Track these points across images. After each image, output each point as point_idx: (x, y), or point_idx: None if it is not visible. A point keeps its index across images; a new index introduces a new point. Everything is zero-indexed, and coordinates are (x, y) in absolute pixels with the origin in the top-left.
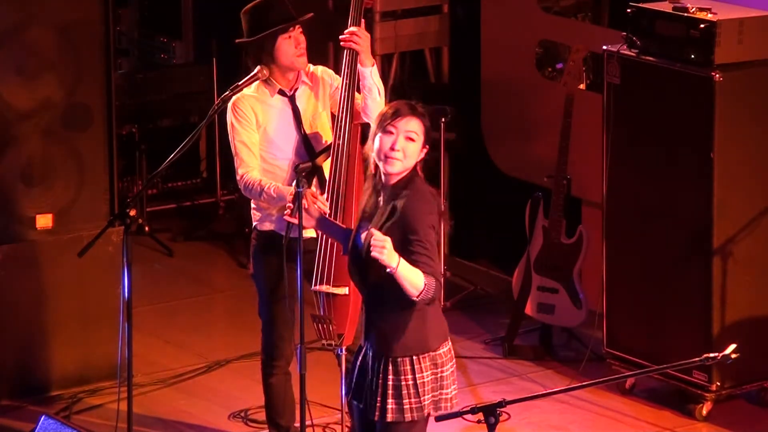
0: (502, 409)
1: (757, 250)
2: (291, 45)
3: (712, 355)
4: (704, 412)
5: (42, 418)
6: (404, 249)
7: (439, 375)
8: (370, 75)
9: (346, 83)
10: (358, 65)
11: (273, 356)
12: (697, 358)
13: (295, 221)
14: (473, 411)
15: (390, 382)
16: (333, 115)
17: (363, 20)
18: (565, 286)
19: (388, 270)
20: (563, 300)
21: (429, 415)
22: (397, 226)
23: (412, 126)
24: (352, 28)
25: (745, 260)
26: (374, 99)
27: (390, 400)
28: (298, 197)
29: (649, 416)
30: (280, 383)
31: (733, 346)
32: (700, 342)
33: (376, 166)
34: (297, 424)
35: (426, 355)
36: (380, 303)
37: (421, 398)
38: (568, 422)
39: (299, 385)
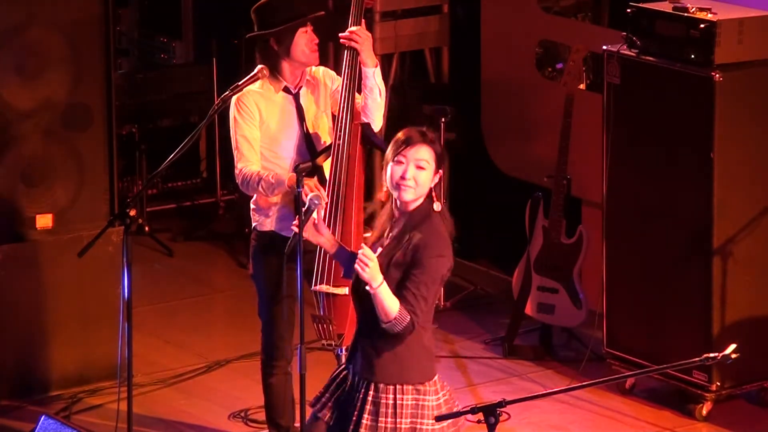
0: (502, 409)
1: (757, 250)
2: (308, 39)
3: (712, 355)
4: (704, 412)
5: (42, 418)
6: (402, 280)
7: (420, 403)
8: (373, 75)
9: (346, 83)
10: (361, 65)
11: (273, 356)
12: (697, 358)
13: (303, 233)
14: (473, 411)
15: (369, 398)
16: (333, 116)
17: (363, 20)
18: (565, 286)
19: (366, 287)
20: (563, 300)
21: None
22: (406, 256)
23: (422, 154)
24: (352, 28)
25: (745, 260)
26: (375, 100)
27: (366, 416)
28: (298, 198)
29: (649, 416)
30: (280, 383)
31: (733, 346)
32: (700, 342)
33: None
34: (297, 424)
35: (418, 386)
36: (373, 329)
37: (397, 420)
38: (568, 422)
39: (299, 385)
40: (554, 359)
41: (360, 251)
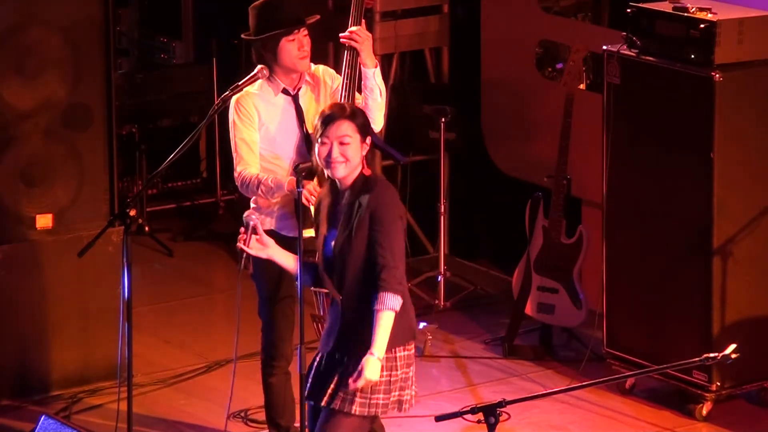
0: (502, 409)
1: (757, 250)
2: (294, 47)
3: (712, 355)
4: (704, 412)
5: (42, 418)
6: (370, 242)
7: (410, 374)
8: (373, 76)
9: (346, 83)
10: (362, 66)
11: (273, 356)
12: (697, 358)
13: (248, 250)
14: (473, 411)
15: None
16: None
17: (364, 20)
18: (565, 286)
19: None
20: (563, 300)
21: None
22: (365, 221)
23: (343, 130)
24: (352, 28)
25: (745, 260)
26: (375, 100)
27: (359, 394)
28: (299, 198)
29: (649, 416)
30: (280, 383)
31: (733, 346)
32: (700, 342)
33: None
34: (297, 424)
35: (407, 347)
36: (359, 305)
37: (390, 395)
38: (568, 422)
39: (299, 385)
40: (554, 359)
41: (353, 383)
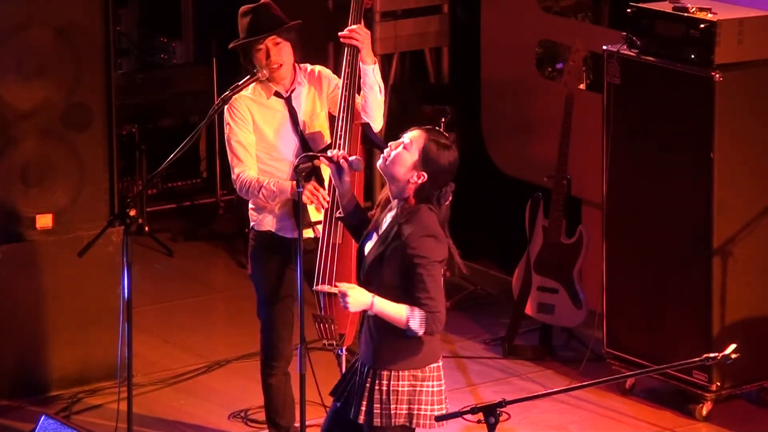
0: (502, 409)
1: (757, 250)
2: (262, 56)
3: (712, 355)
4: (704, 412)
5: (42, 418)
6: (405, 276)
7: (417, 389)
8: (372, 72)
9: (346, 83)
10: (360, 63)
11: (272, 356)
12: (697, 358)
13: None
14: (473, 411)
15: (367, 385)
16: (333, 116)
17: (362, 20)
18: (565, 286)
19: (368, 312)
20: (563, 300)
21: (406, 426)
22: (400, 252)
23: (412, 135)
24: (352, 26)
25: (745, 260)
26: (375, 97)
27: (363, 402)
28: (299, 198)
29: (649, 416)
30: (280, 383)
31: (733, 346)
32: (700, 342)
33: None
34: (297, 424)
35: (406, 372)
36: (371, 315)
37: (391, 406)
38: (568, 422)
39: (299, 385)
40: (554, 359)
41: (337, 290)
